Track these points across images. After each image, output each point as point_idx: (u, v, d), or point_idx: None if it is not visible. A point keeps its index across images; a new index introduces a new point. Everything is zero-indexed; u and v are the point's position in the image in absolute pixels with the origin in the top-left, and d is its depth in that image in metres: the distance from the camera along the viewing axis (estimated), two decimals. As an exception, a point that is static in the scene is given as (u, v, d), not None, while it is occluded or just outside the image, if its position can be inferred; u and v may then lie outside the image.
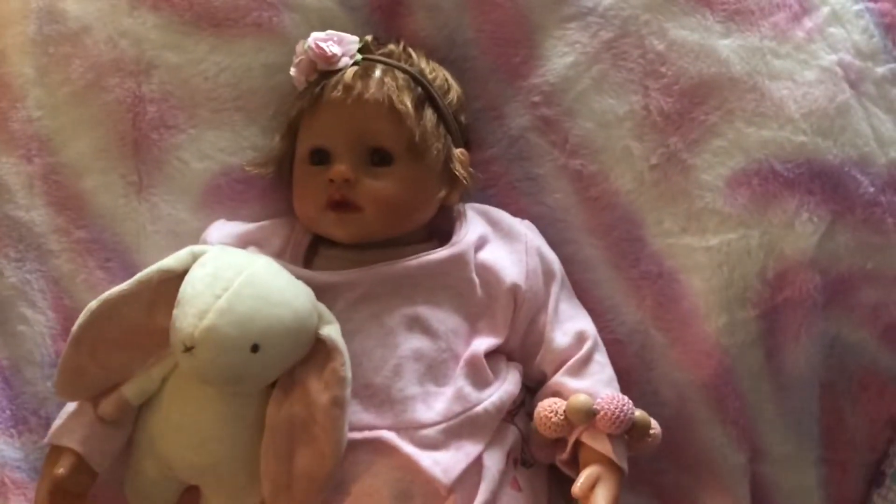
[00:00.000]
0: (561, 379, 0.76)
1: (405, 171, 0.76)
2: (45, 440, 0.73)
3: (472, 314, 0.77)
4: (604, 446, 0.72)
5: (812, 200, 0.80)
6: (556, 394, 0.76)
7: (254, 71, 0.82)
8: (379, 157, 0.76)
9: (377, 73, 0.76)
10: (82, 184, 0.82)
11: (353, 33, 0.79)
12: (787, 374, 0.80)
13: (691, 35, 0.82)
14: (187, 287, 0.68)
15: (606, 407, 0.72)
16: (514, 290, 0.77)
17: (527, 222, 0.82)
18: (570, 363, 0.76)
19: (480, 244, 0.78)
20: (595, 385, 0.75)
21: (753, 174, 0.80)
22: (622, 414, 0.72)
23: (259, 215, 0.82)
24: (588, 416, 0.72)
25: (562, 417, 0.73)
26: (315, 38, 0.77)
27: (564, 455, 0.74)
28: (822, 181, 0.80)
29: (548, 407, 0.74)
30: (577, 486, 0.70)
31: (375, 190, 0.75)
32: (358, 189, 0.75)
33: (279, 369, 0.70)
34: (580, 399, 0.72)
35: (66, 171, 0.82)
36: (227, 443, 0.72)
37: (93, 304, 0.70)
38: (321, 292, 0.73)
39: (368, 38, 0.80)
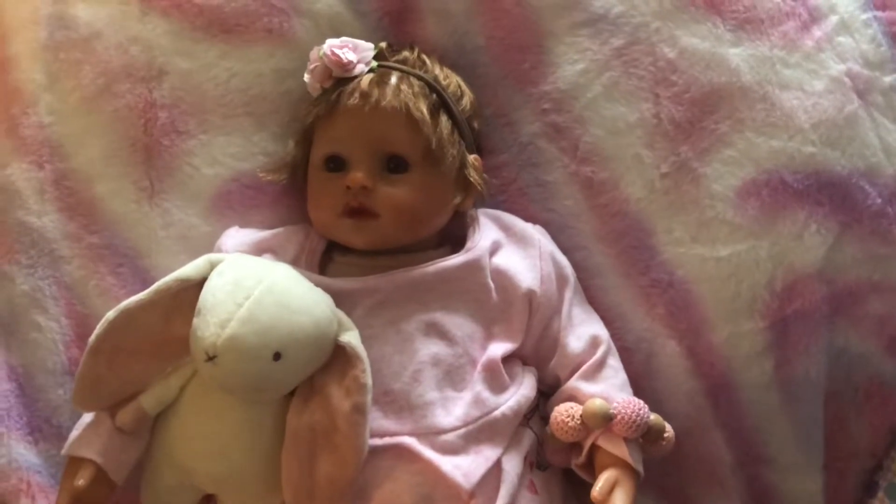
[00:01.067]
0: (576, 383, 0.77)
1: (421, 177, 0.76)
2: (64, 451, 0.73)
3: (488, 319, 0.77)
4: (620, 450, 0.73)
5: (820, 212, 0.81)
6: (571, 398, 0.76)
7: (264, 76, 0.82)
8: (395, 164, 0.76)
9: (393, 80, 0.77)
10: (94, 189, 0.82)
11: (362, 39, 0.79)
12: (795, 384, 0.81)
13: (702, 43, 0.82)
14: (208, 296, 0.69)
15: (623, 411, 0.73)
16: (530, 295, 0.77)
17: (539, 227, 0.82)
18: (584, 368, 0.77)
19: (494, 249, 0.79)
20: (609, 389, 0.76)
21: (763, 185, 0.80)
22: (638, 418, 0.73)
23: (270, 221, 0.82)
24: (605, 420, 0.73)
25: (578, 422, 0.74)
26: (330, 44, 0.77)
27: (581, 459, 0.75)
28: (830, 192, 0.81)
29: (564, 412, 0.75)
30: (596, 490, 0.71)
31: (392, 197, 0.75)
32: (375, 196, 0.75)
33: (300, 377, 0.71)
34: (597, 403, 0.73)
35: (78, 177, 0.82)
36: (246, 451, 0.72)
37: (110, 313, 0.70)
38: (338, 299, 0.73)
39: (383, 44, 0.81)
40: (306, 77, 0.79)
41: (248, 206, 0.82)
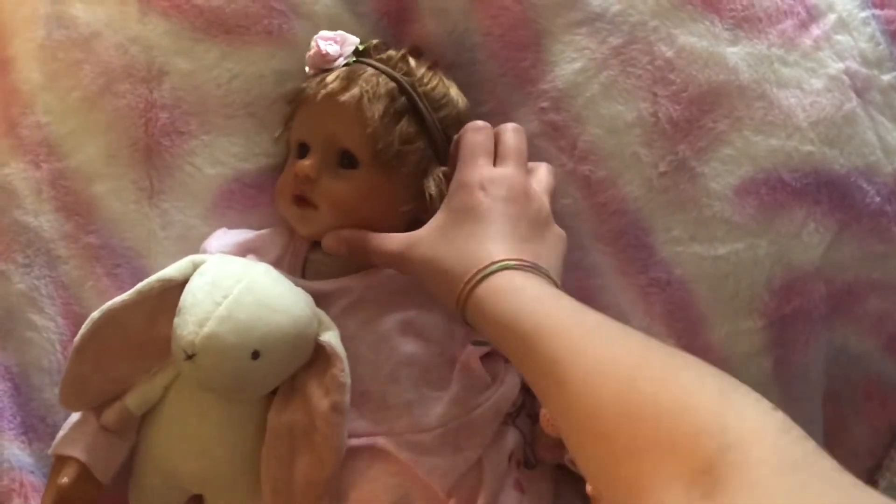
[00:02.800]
0: None
1: (368, 177, 0.76)
2: (50, 451, 0.73)
3: None
4: None
5: (819, 210, 0.80)
6: None
7: (265, 77, 0.82)
8: (347, 160, 0.76)
9: (361, 76, 0.76)
10: (92, 189, 0.82)
11: (362, 40, 0.79)
12: (793, 383, 0.81)
13: (700, 42, 0.82)
14: (187, 296, 0.69)
15: None
16: None
17: None
18: None
19: None
20: None
21: (761, 183, 0.80)
22: None
23: (271, 221, 0.82)
24: None
25: None
26: (319, 36, 0.78)
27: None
28: (828, 191, 0.81)
29: None
30: (591, 488, 0.71)
31: (332, 191, 0.75)
32: (317, 187, 0.75)
33: (280, 376, 0.71)
34: None
35: (76, 177, 0.82)
36: (229, 450, 0.72)
37: (95, 314, 0.70)
38: (314, 300, 0.73)
39: (373, 41, 0.81)
40: (306, 67, 0.79)
41: (249, 205, 0.83)
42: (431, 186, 0.77)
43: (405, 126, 0.76)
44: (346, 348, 0.72)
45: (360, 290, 0.76)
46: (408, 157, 0.76)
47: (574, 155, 0.82)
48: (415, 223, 0.79)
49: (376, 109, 0.74)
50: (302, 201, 0.76)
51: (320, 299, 0.74)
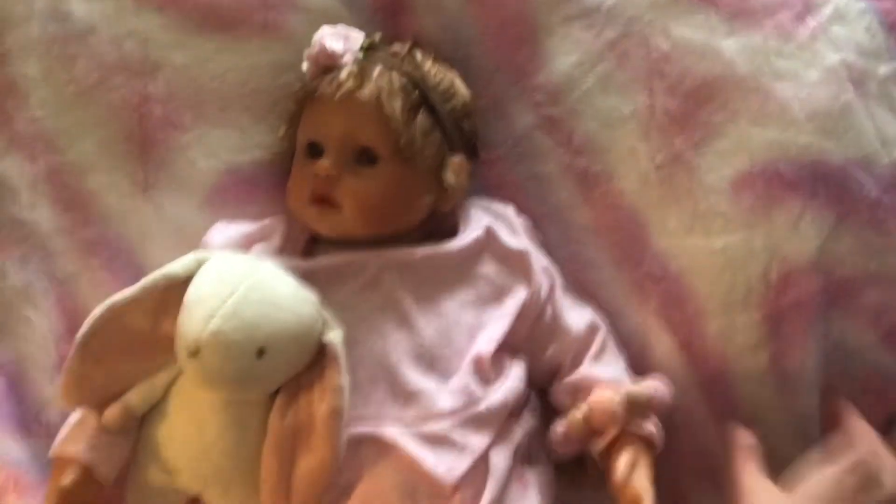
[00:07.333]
0: (589, 370, 0.77)
1: (389, 173, 0.76)
2: (50, 453, 0.73)
3: (479, 309, 0.77)
4: (646, 429, 0.74)
5: (816, 202, 0.80)
6: (587, 385, 0.77)
7: (260, 70, 0.82)
8: (366, 157, 0.76)
9: (373, 73, 0.76)
10: (87, 183, 0.82)
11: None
12: (791, 376, 0.80)
13: (696, 34, 0.81)
14: (193, 292, 0.69)
15: (655, 394, 0.75)
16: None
17: (524, 218, 0.82)
18: (591, 353, 0.78)
19: (488, 238, 0.79)
20: (621, 373, 0.78)
21: (758, 176, 0.80)
22: (664, 398, 0.76)
23: (266, 214, 0.82)
24: (649, 406, 0.75)
25: (623, 409, 0.74)
26: (323, 33, 0.78)
27: (603, 444, 0.75)
28: (825, 183, 0.80)
29: (606, 402, 0.74)
30: (620, 473, 0.72)
31: (355, 189, 0.75)
32: (339, 186, 0.75)
33: (284, 375, 0.70)
34: (638, 390, 0.75)
35: (71, 171, 0.82)
36: (230, 450, 0.72)
37: (97, 310, 0.70)
38: (326, 279, 0.74)
39: (377, 36, 0.80)
40: (304, 64, 0.79)
41: (243, 199, 0.83)
42: (450, 177, 0.78)
43: (422, 119, 0.76)
44: (356, 332, 0.71)
45: (375, 269, 0.76)
46: (426, 150, 0.76)
47: (570, 148, 0.83)
48: (433, 215, 0.79)
49: (396, 105, 0.75)
50: (323, 201, 0.76)
51: (331, 276, 0.74)
